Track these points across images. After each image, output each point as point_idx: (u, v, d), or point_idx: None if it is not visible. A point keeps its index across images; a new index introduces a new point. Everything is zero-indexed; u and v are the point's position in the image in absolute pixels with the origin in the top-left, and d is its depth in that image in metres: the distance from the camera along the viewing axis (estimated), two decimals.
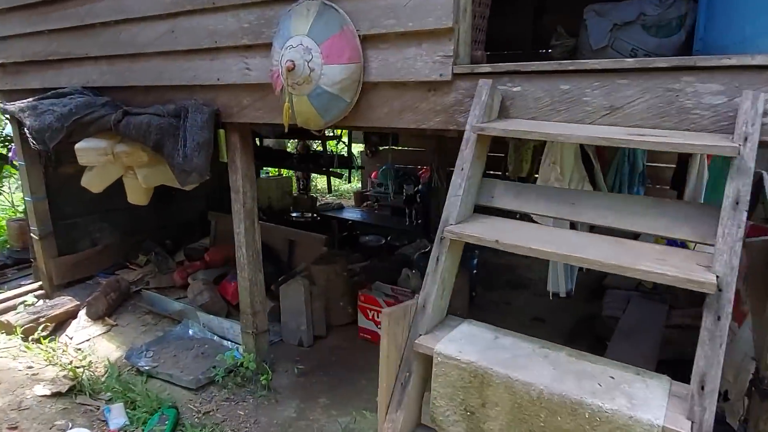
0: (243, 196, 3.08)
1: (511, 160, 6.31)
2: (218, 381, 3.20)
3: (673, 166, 4.68)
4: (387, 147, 6.02)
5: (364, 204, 8.49)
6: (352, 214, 6.72)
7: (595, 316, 4.20)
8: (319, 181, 10.27)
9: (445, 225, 1.86)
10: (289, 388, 3.29)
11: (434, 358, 1.73)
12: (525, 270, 5.56)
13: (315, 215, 5.81)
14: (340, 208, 6.82)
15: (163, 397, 3.10)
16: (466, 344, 1.75)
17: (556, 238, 1.74)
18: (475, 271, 4.74)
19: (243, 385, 3.24)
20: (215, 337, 3.75)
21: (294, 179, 7.36)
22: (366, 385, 3.33)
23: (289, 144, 7.68)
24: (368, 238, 5.75)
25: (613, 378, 1.58)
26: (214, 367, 3.35)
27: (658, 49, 3.21)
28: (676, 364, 3.11)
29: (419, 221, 6.07)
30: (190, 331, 3.87)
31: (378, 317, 3.80)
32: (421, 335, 1.81)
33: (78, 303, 4.20)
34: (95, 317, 4.09)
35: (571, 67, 1.89)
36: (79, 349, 3.73)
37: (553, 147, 2.37)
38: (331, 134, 6.24)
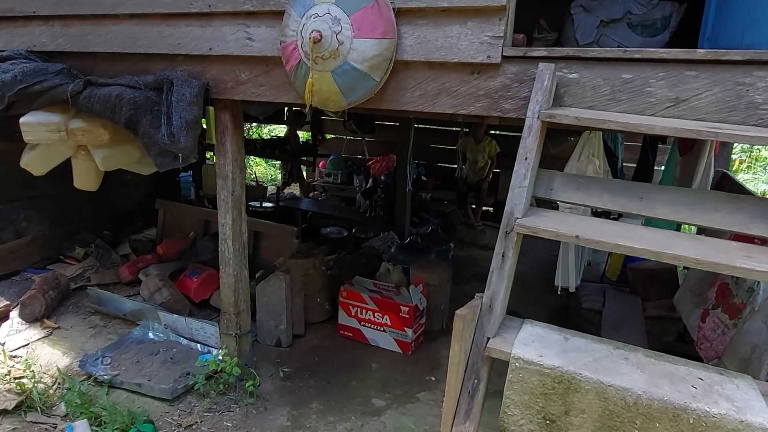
0: (232, 183, 2.75)
1: (468, 163, 6.31)
2: (198, 389, 2.85)
3: (633, 165, 4.88)
4: (361, 136, 5.71)
5: (311, 194, 8.18)
6: (305, 205, 6.41)
7: (569, 307, 4.29)
8: (257, 168, 9.77)
9: (511, 218, 1.71)
10: (276, 393, 3.01)
11: (511, 363, 1.59)
12: (488, 263, 5.52)
13: (276, 205, 5.46)
14: (293, 198, 6.48)
15: (135, 410, 2.70)
16: (541, 347, 1.62)
17: (633, 234, 1.65)
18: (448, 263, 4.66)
19: (225, 392, 2.92)
20: (182, 340, 3.36)
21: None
22: (358, 387, 3.13)
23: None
24: (329, 230, 5.49)
25: (701, 379, 1.52)
26: (188, 373, 2.99)
27: (642, 47, 3.26)
28: None
29: (381, 213, 5.90)
30: (151, 334, 3.44)
31: (361, 314, 3.61)
32: (489, 338, 1.66)
33: (8, 303, 3.61)
34: (31, 319, 3.53)
35: (636, 56, 1.81)
36: (16, 357, 3.19)
37: (590, 140, 2.31)
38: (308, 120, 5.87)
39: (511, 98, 2.02)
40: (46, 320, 3.57)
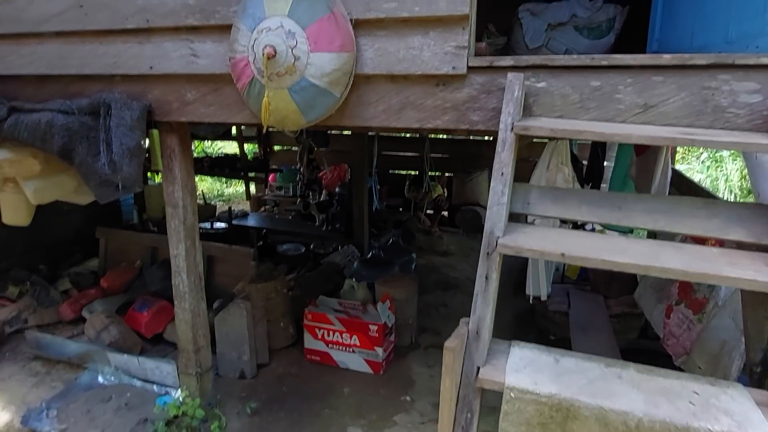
0: (183, 211, 2.55)
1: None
2: None
3: (584, 162, 4.97)
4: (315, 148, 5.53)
5: (262, 209, 7.92)
6: (258, 221, 6.16)
7: (534, 310, 4.29)
8: (203, 185, 9.38)
9: (492, 238, 1.63)
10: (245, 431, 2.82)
11: (505, 393, 1.50)
12: (449, 269, 5.55)
13: (228, 224, 5.19)
14: (245, 215, 6.22)
15: None
16: (534, 373, 1.55)
17: (616, 247, 1.61)
18: (413, 274, 4.58)
19: None
20: (136, 382, 3.10)
21: None
22: (331, 415, 2.98)
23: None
24: (286, 247, 5.29)
25: (697, 393, 1.49)
26: (146, 420, 2.75)
27: (589, 49, 3.30)
28: (628, 354, 3.26)
29: (337, 226, 5.75)
30: (101, 378, 3.16)
31: (328, 336, 3.46)
32: (479, 367, 1.57)
33: None
34: None
35: (604, 62, 1.78)
36: None
37: (558, 148, 2.28)
38: (254, 134, 5.62)
39: (479, 110, 1.95)
40: None
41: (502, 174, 1.69)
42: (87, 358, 3.27)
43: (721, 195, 7.21)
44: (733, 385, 1.54)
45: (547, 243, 1.60)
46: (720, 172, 7.97)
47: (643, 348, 3.50)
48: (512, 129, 1.71)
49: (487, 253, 1.64)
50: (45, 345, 3.41)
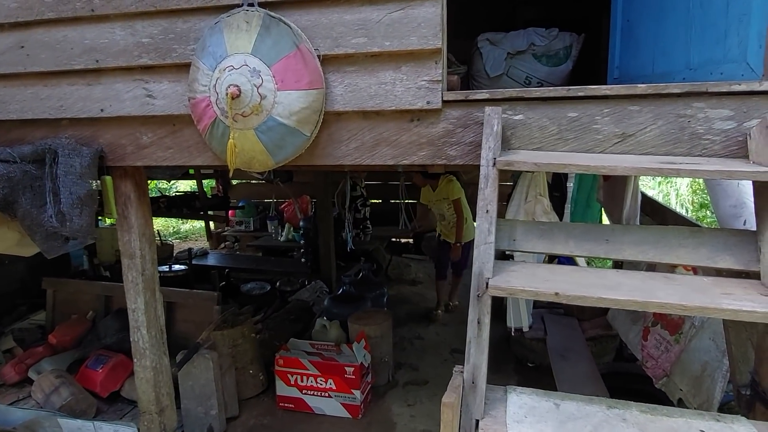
0: (141, 261, 2.36)
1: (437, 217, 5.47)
2: None
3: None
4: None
5: (222, 245, 7.65)
6: (219, 260, 5.90)
7: (510, 337, 4.22)
8: (158, 222, 8.99)
9: (481, 279, 1.55)
10: None
11: None
12: (420, 299, 5.46)
13: (189, 264, 4.92)
14: (205, 254, 5.95)
15: None
16: (536, 423, 1.45)
17: (609, 282, 1.55)
18: (385, 309, 4.45)
19: None
20: None
21: None
22: None
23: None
24: (251, 286, 5.06)
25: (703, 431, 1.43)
26: None
27: (548, 76, 3.35)
28: (608, 378, 3.23)
29: (303, 260, 5.57)
30: None
31: (302, 381, 3.27)
32: (478, 420, 1.47)
33: None
34: None
35: (580, 93, 1.76)
36: None
37: (536, 178, 2.24)
38: (210, 172, 5.40)
39: (456, 144, 1.89)
40: None
41: (487, 211, 1.62)
42: (35, 425, 2.96)
43: (673, 209, 7.45)
44: (737, 420, 1.49)
45: (538, 282, 1.53)
46: (671, 187, 8.28)
47: (623, 371, 3.49)
48: (494, 164, 1.65)
49: (478, 296, 1.56)
50: None
